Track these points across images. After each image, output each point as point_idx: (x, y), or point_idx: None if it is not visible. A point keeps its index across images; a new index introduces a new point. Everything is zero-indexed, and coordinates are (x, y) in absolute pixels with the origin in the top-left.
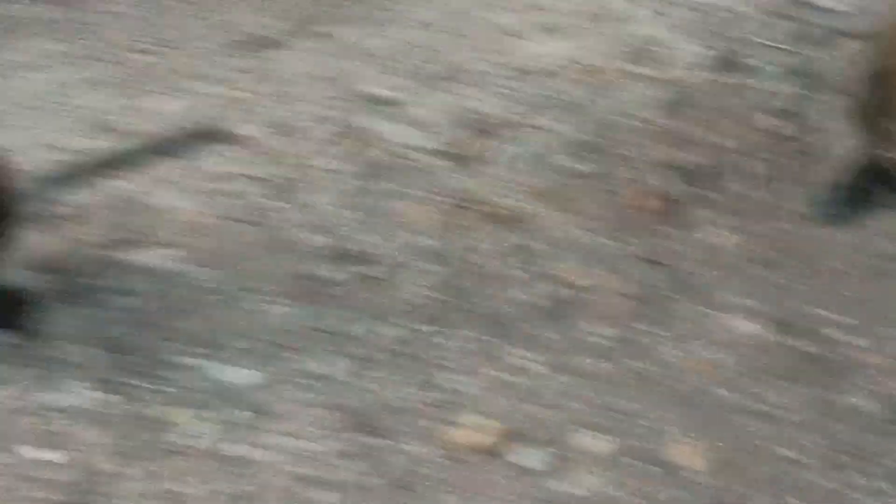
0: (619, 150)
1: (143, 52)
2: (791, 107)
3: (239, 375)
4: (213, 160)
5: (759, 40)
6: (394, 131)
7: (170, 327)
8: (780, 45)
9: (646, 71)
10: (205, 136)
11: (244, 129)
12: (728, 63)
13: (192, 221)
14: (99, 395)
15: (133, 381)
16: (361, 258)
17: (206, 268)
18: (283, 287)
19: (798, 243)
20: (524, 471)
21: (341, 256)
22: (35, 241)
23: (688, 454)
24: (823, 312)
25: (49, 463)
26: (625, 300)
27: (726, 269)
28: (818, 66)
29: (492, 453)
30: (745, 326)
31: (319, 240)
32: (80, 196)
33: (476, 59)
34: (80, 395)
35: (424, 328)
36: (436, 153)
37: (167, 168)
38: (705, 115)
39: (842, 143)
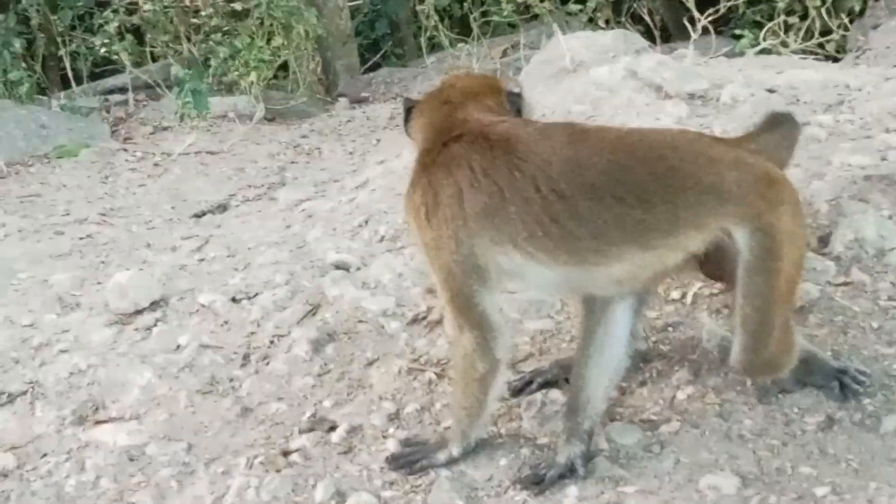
0: None
1: (97, 223)
2: None
3: None
4: (168, 329)
5: None
6: (347, 294)
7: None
8: None
9: None
10: (161, 306)
11: (201, 298)
12: None
13: (148, 393)
14: None
15: None
16: (321, 423)
17: (164, 440)
18: (242, 457)
19: None
20: None
21: (300, 423)
22: None
23: None
24: None
25: None
26: None
27: None
28: None
29: None
30: None
31: (280, 407)
32: (37, 372)
33: None
34: None
35: (387, 494)
36: (389, 315)
37: (124, 339)
38: None
39: None
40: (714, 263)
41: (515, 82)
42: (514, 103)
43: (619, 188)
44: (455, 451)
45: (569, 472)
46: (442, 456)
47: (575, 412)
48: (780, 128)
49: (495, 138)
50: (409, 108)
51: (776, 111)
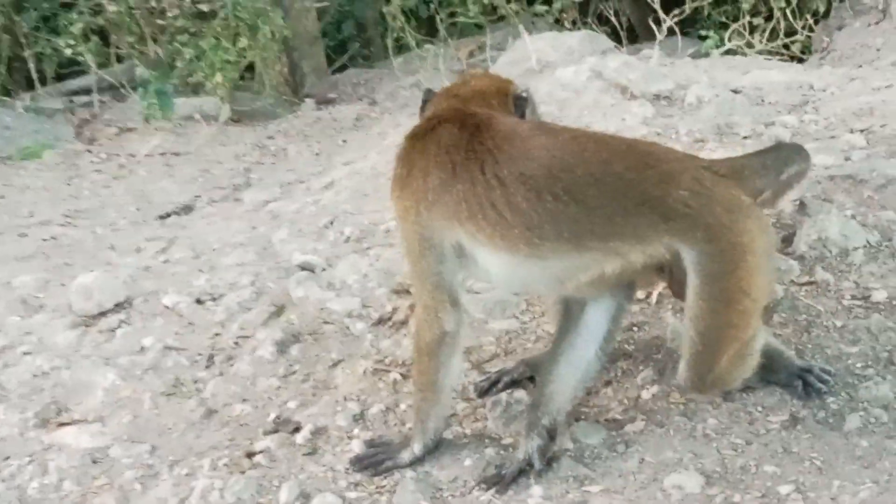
0: None
1: (61, 224)
2: None
3: None
4: (132, 331)
5: None
6: (312, 295)
7: None
8: None
9: None
10: (125, 307)
11: (165, 300)
12: None
13: (112, 395)
14: None
15: None
16: (286, 425)
17: (128, 442)
18: (207, 459)
19: None
20: None
21: (265, 425)
22: None
23: None
24: None
25: None
26: None
27: None
28: None
29: None
30: None
31: (244, 408)
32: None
33: (386, 219)
34: None
35: (352, 495)
36: (354, 316)
37: (87, 341)
38: None
39: None
40: (679, 283)
41: (525, 88)
42: (520, 107)
43: (557, 185)
44: (417, 448)
45: (528, 467)
46: (405, 455)
47: (537, 407)
48: (777, 158)
49: (469, 122)
50: (426, 99)
51: (783, 142)
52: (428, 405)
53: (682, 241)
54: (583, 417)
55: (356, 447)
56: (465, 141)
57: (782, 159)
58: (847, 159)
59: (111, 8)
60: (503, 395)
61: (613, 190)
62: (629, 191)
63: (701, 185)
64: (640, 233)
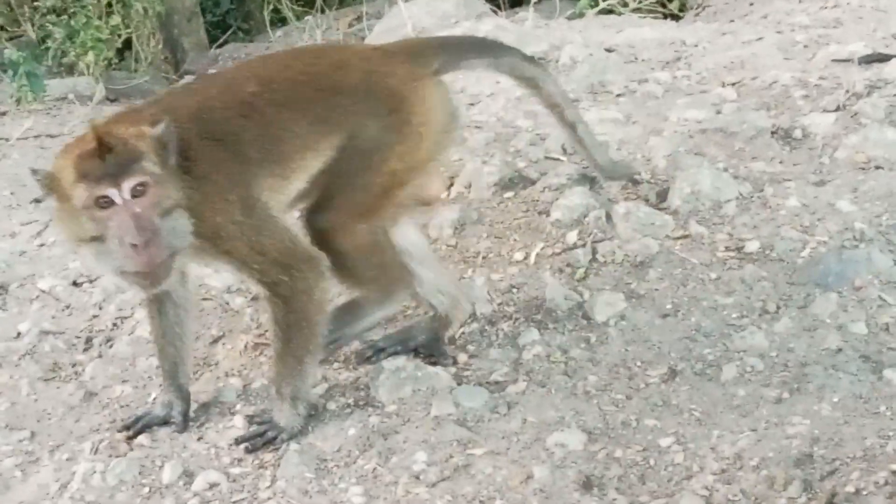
0: None
1: None
2: None
3: None
4: (8, 317)
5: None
6: (190, 272)
7: None
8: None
9: None
10: (0, 293)
11: (41, 283)
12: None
13: None
14: None
15: None
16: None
17: (6, 430)
18: (87, 442)
19: None
20: None
21: (146, 405)
22: None
23: None
24: None
25: None
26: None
27: None
28: None
29: None
30: None
31: (125, 389)
32: None
33: None
34: None
35: (236, 471)
36: (233, 291)
37: None
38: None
39: None
40: None
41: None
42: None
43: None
44: (300, 419)
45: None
46: (295, 425)
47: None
48: (462, 45)
49: None
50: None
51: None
52: (312, 368)
53: (365, 117)
54: (464, 381)
55: (239, 423)
56: None
57: (470, 47)
58: (718, 112)
59: None
60: (385, 363)
61: (298, 89)
62: (309, 85)
63: (370, 63)
64: (328, 126)
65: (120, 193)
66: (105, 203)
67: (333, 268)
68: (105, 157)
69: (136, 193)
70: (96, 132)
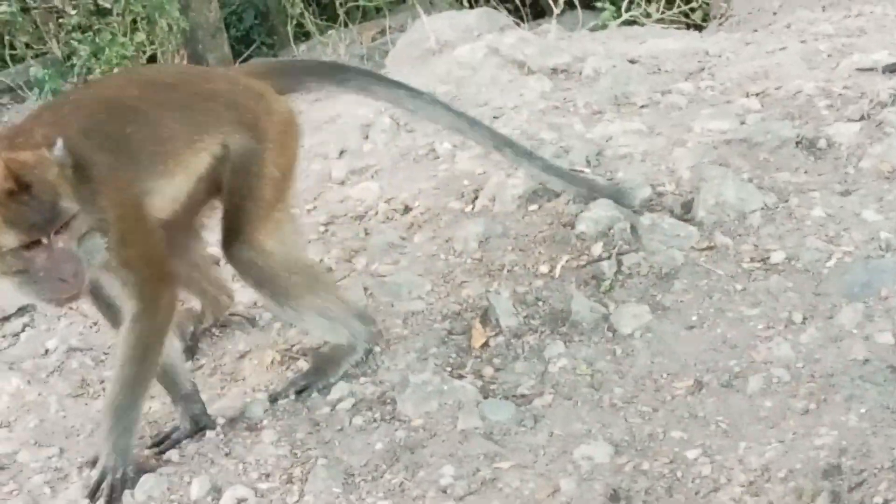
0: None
1: None
2: None
3: None
4: (36, 334)
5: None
6: None
7: None
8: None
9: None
10: (28, 311)
11: None
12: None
13: (17, 400)
14: None
15: None
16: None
17: (35, 446)
18: None
19: None
20: None
21: (174, 420)
22: None
23: None
24: None
25: None
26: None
27: None
28: None
29: None
30: None
31: (152, 405)
32: None
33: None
34: None
35: (264, 486)
36: (260, 306)
37: None
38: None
39: None
40: None
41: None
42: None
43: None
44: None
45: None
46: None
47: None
48: (303, 68)
49: None
50: None
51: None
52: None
53: (234, 125)
54: (490, 395)
55: (266, 438)
56: None
57: (308, 71)
58: (742, 123)
59: (2, 8)
60: (411, 377)
61: (176, 91)
62: (184, 89)
63: (230, 77)
64: (203, 129)
65: (48, 237)
66: (32, 245)
67: (272, 296)
68: (26, 200)
69: (59, 231)
70: (9, 170)
